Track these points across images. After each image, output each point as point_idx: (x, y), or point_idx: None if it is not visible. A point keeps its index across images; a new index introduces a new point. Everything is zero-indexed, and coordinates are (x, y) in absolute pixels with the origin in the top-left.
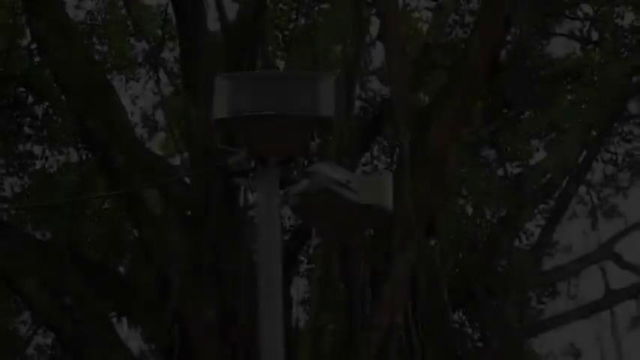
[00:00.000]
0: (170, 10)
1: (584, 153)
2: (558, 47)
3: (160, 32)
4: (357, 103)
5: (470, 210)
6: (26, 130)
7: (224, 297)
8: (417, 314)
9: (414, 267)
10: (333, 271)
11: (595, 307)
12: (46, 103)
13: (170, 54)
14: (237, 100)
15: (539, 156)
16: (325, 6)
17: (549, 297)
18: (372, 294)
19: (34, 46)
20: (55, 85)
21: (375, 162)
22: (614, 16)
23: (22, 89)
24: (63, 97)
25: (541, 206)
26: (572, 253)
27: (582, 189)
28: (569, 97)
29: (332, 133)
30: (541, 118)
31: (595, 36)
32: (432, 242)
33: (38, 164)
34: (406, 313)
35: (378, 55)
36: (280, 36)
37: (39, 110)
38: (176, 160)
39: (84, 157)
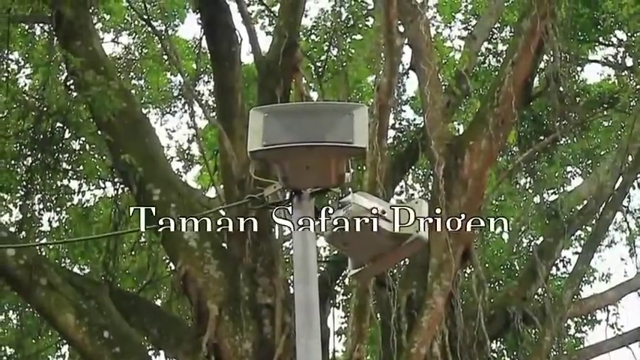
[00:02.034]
0: (204, 44)
1: (621, 179)
2: (593, 74)
3: (194, 66)
4: (391, 133)
5: (506, 238)
6: (63, 165)
7: (261, 329)
8: (454, 344)
9: (450, 296)
10: (369, 302)
11: (636, 335)
12: (83, 138)
13: (205, 87)
14: (272, 132)
15: (576, 183)
16: (357, 37)
17: (588, 325)
18: (408, 324)
19: (70, 81)
20: (91, 120)
21: (410, 191)
22: None
23: (58, 124)
24: (99, 132)
25: (578, 233)
26: (611, 280)
27: (620, 215)
28: (604, 123)
29: (366, 163)
30: (576, 145)
31: (629, 62)
32: (468, 270)
33: (75, 199)
34: (443, 342)
35: (411, 84)
36: (313, 67)
37: (76, 145)
38: (211, 193)
39: (120, 191)
